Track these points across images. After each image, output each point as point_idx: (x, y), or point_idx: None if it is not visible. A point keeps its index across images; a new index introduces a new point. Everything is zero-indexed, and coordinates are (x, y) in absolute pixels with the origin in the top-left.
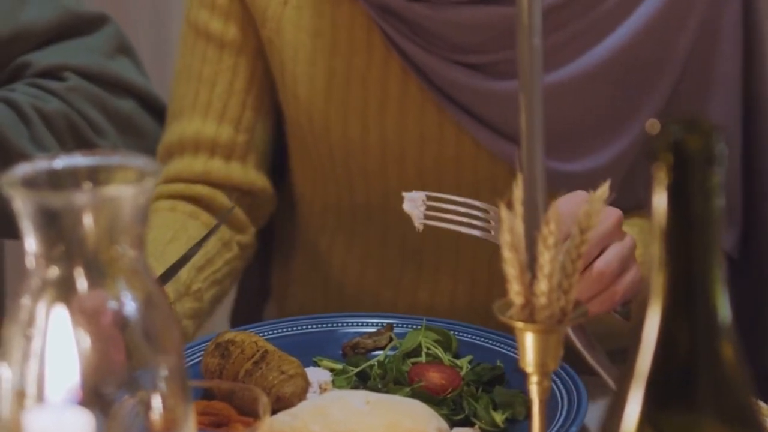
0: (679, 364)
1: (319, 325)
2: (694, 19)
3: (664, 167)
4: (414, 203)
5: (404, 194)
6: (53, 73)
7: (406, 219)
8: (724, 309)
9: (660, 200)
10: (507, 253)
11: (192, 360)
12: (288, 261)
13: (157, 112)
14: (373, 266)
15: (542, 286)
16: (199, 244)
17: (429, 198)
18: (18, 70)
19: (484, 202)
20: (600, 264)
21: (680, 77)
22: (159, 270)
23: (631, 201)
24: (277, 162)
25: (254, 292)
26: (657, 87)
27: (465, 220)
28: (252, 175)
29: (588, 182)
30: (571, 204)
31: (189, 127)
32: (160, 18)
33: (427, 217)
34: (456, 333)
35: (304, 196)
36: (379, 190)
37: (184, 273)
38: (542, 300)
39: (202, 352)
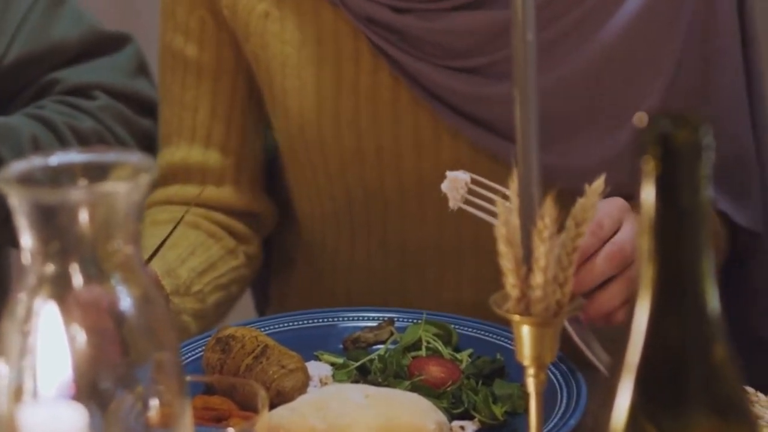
0: (668, 355)
1: (320, 320)
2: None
3: (653, 160)
4: (455, 184)
5: (447, 173)
6: (83, 91)
7: (405, 229)
8: (713, 301)
9: (648, 193)
10: (503, 247)
11: (193, 355)
12: (289, 274)
13: None
14: (376, 280)
15: (538, 278)
16: (170, 234)
17: (473, 182)
18: (46, 87)
19: None
20: (617, 238)
21: (681, 57)
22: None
23: None
24: (274, 177)
25: (258, 298)
26: (658, 72)
27: None
28: (247, 197)
29: (597, 174)
30: (609, 206)
31: (177, 154)
32: None
33: (466, 201)
34: (456, 327)
35: (303, 211)
36: (378, 200)
37: (184, 273)
38: (538, 293)
39: (203, 348)
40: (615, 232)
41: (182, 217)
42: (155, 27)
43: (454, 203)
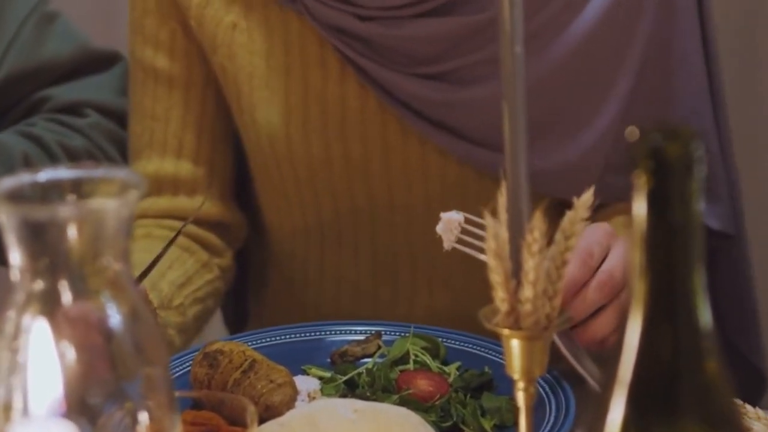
0: (661, 370)
1: (308, 334)
2: (651, 2)
3: (644, 174)
4: (449, 225)
5: (442, 215)
6: (73, 109)
7: (376, 236)
8: (705, 314)
9: (640, 207)
10: (492, 261)
11: (181, 370)
12: (261, 286)
13: None
14: (347, 287)
15: (527, 292)
16: (165, 250)
17: (467, 221)
18: (37, 104)
19: (455, 208)
20: (607, 266)
21: (643, 61)
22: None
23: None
24: (243, 190)
25: (232, 315)
26: (620, 76)
27: None
28: (219, 208)
29: (561, 178)
30: (596, 233)
31: (149, 167)
32: None
33: (459, 241)
34: (444, 340)
35: (272, 223)
36: (348, 208)
37: (165, 287)
38: (527, 307)
39: (191, 362)
40: (604, 259)
41: (177, 234)
42: None
43: (448, 244)
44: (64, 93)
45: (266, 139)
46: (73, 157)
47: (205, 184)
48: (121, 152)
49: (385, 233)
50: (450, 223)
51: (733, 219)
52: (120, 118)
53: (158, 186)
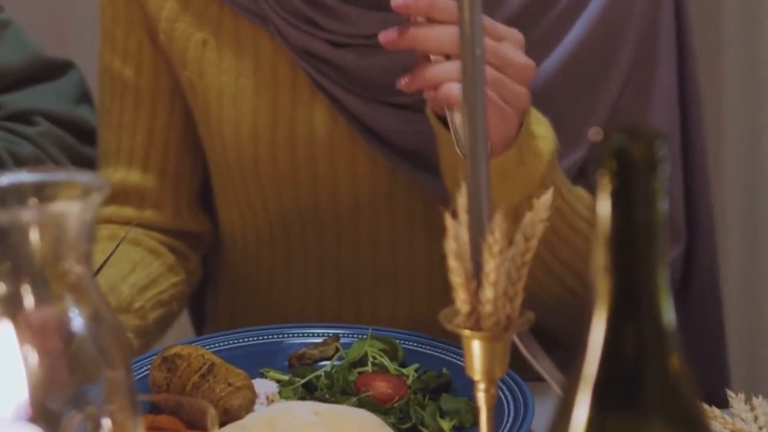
0: (625, 369)
1: (266, 337)
2: (633, 31)
3: (608, 174)
4: None
5: None
6: (23, 117)
7: (341, 249)
8: (668, 314)
9: (604, 207)
10: (452, 262)
11: (139, 374)
12: (220, 291)
13: None
14: (312, 299)
15: (488, 293)
16: (110, 256)
17: None
18: None
19: (421, 236)
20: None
21: (622, 90)
22: None
23: None
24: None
25: (190, 318)
26: (600, 101)
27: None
28: (185, 218)
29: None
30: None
31: (115, 175)
32: None
33: None
34: (401, 342)
35: (234, 231)
36: (314, 223)
37: (125, 290)
38: (488, 308)
39: (149, 366)
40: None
41: (124, 236)
42: (89, 52)
43: None
44: (15, 101)
45: (233, 155)
46: (21, 165)
47: (171, 197)
48: (72, 160)
49: (349, 248)
50: None
51: (680, 266)
52: (71, 126)
53: (125, 196)
